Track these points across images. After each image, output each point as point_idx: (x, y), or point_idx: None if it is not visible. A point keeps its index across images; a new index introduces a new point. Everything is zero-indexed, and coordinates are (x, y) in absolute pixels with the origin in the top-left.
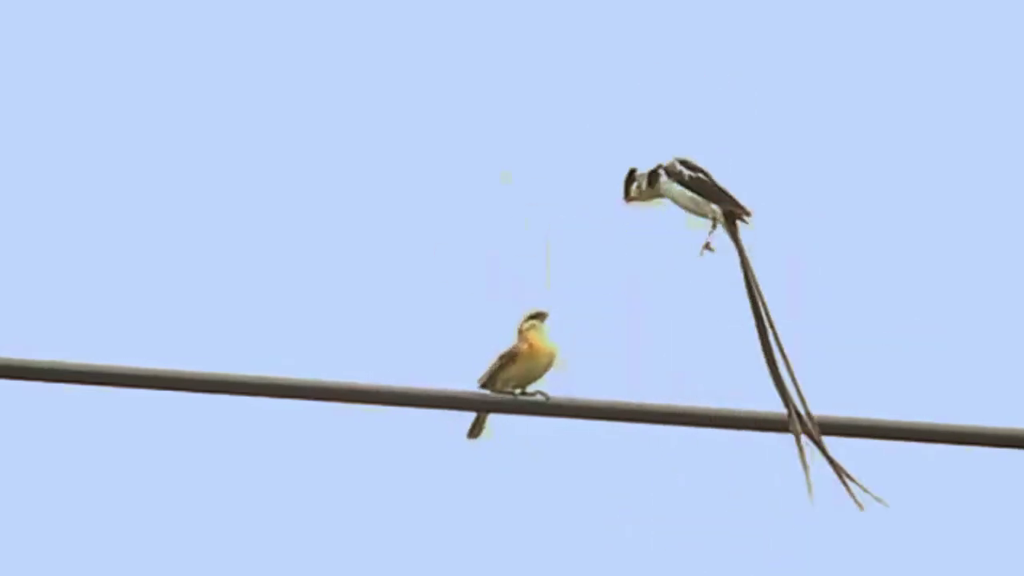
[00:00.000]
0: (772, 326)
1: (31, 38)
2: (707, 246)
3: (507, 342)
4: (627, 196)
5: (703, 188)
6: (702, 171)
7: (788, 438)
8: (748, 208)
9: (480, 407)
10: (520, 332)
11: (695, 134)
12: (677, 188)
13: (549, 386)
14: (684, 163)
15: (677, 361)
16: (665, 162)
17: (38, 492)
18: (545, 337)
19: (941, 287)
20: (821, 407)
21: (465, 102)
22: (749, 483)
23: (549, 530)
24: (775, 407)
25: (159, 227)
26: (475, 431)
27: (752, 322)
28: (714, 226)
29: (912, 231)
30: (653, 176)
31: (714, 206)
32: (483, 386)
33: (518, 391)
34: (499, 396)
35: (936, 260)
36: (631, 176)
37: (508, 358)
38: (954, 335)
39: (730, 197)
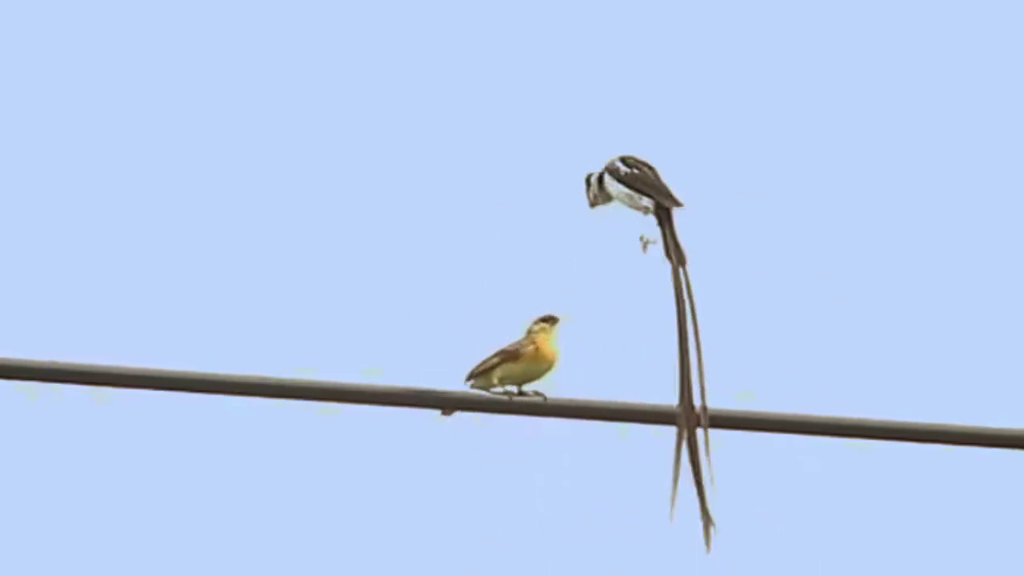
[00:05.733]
0: (694, 321)
1: (31, 38)
2: (643, 241)
3: (499, 342)
4: (589, 203)
5: (635, 183)
6: (641, 166)
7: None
8: (678, 200)
9: (476, 407)
10: (529, 332)
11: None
12: (616, 186)
13: (545, 386)
14: (624, 160)
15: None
16: (607, 161)
17: (37, 492)
18: (553, 342)
19: (936, 286)
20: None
21: (457, 101)
22: (747, 484)
23: (543, 531)
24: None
25: (158, 227)
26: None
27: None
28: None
29: (900, 228)
30: (600, 177)
31: (645, 201)
32: (471, 378)
33: (514, 391)
34: (495, 396)
35: (929, 258)
36: (586, 182)
37: (510, 356)
38: (945, 333)
39: (661, 190)
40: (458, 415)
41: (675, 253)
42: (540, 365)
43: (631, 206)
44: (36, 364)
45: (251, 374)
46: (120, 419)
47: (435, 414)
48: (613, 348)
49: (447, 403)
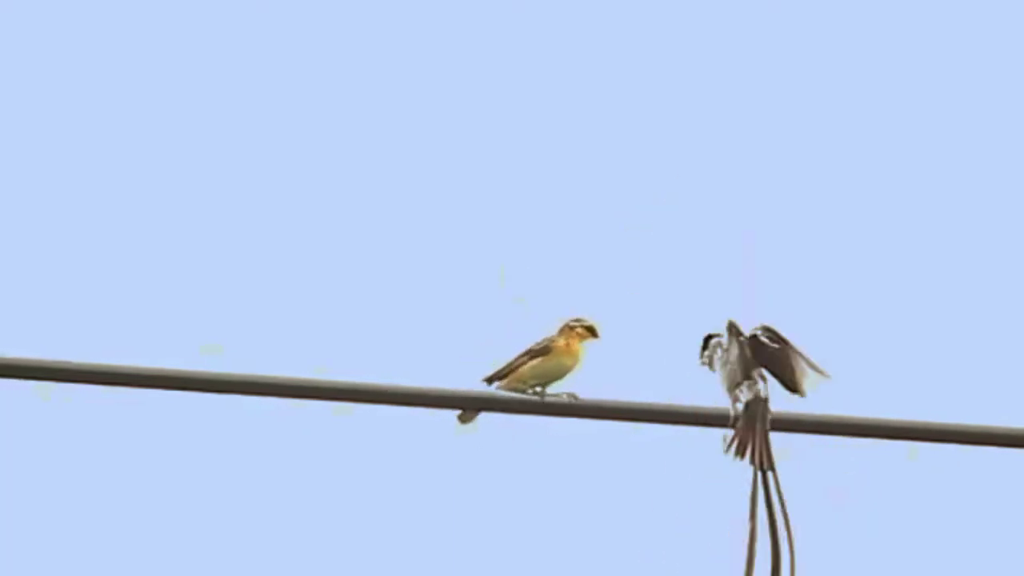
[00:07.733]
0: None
1: (30, 38)
2: (726, 440)
3: (517, 343)
4: (700, 362)
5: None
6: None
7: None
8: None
9: (506, 408)
10: (564, 328)
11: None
12: (719, 368)
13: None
14: (766, 331)
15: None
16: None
17: (37, 492)
18: (582, 346)
19: (939, 287)
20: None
21: (466, 102)
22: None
23: (571, 531)
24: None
25: (160, 227)
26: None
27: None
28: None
29: (907, 228)
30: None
31: (741, 397)
32: (495, 379)
33: (539, 390)
34: (526, 396)
35: (931, 259)
36: (705, 342)
37: (540, 353)
38: (950, 334)
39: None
40: (480, 419)
41: (765, 456)
42: (569, 361)
43: (726, 389)
44: (40, 364)
45: (266, 374)
46: (134, 419)
47: (454, 417)
48: (645, 348)
49: (474, 404)
